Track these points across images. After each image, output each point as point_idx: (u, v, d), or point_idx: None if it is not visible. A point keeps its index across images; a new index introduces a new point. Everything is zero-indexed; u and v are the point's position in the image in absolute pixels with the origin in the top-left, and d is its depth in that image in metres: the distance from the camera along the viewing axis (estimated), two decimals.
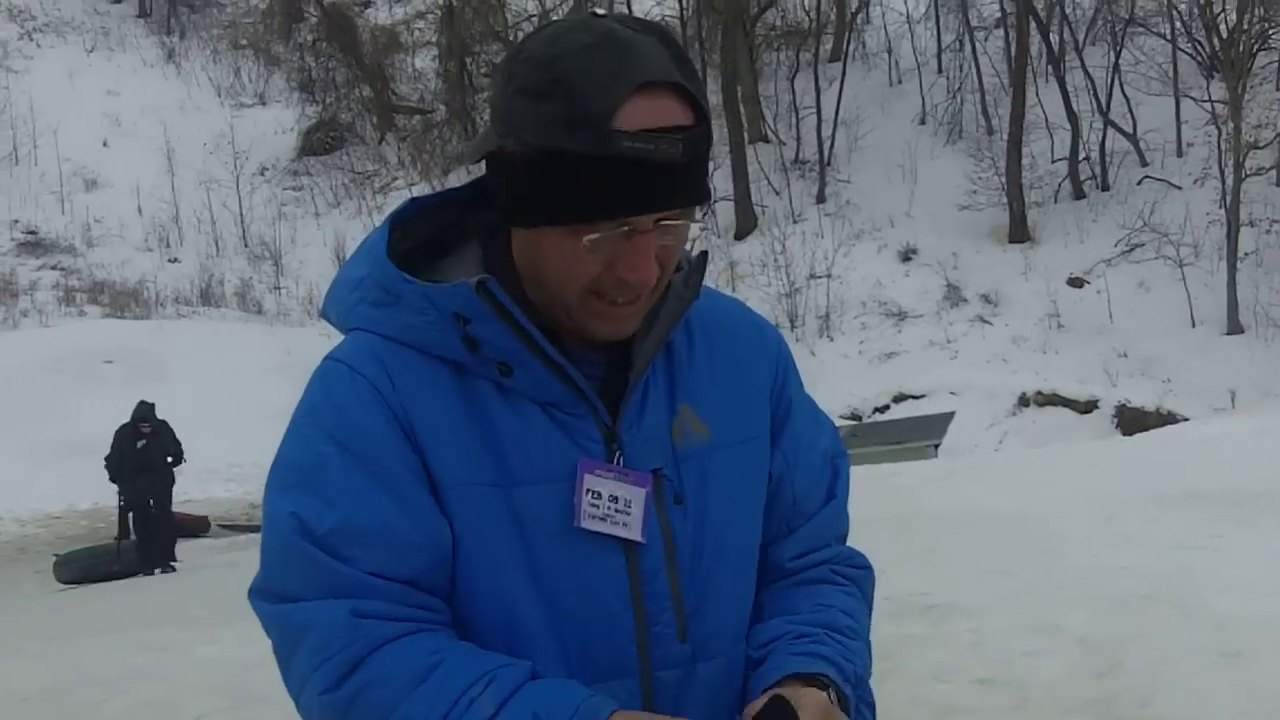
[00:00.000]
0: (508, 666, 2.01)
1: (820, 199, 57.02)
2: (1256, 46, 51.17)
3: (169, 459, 23.56)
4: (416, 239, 2.27)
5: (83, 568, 22.43)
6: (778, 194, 57.66)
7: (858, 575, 2.50)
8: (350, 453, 2.07)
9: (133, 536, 23.35)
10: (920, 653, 8.90)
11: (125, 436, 23.36)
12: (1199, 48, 55.40)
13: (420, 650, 2.00)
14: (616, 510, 2.12)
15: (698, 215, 2.13)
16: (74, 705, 10.48)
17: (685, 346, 2.32)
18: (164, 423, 23.78)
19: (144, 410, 23.59)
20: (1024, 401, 40.96)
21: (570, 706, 1.97)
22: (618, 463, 2.16)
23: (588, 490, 2.11)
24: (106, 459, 23.48)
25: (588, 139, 1.94)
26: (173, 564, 23.33)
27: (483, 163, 2.16)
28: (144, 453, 23.11)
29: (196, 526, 27.29)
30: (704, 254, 2.31)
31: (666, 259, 2.09)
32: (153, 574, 22.44)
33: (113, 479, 24.07)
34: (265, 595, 2.09)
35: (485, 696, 1.95)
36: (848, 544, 2.56)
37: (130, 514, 23.49)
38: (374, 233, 2.24)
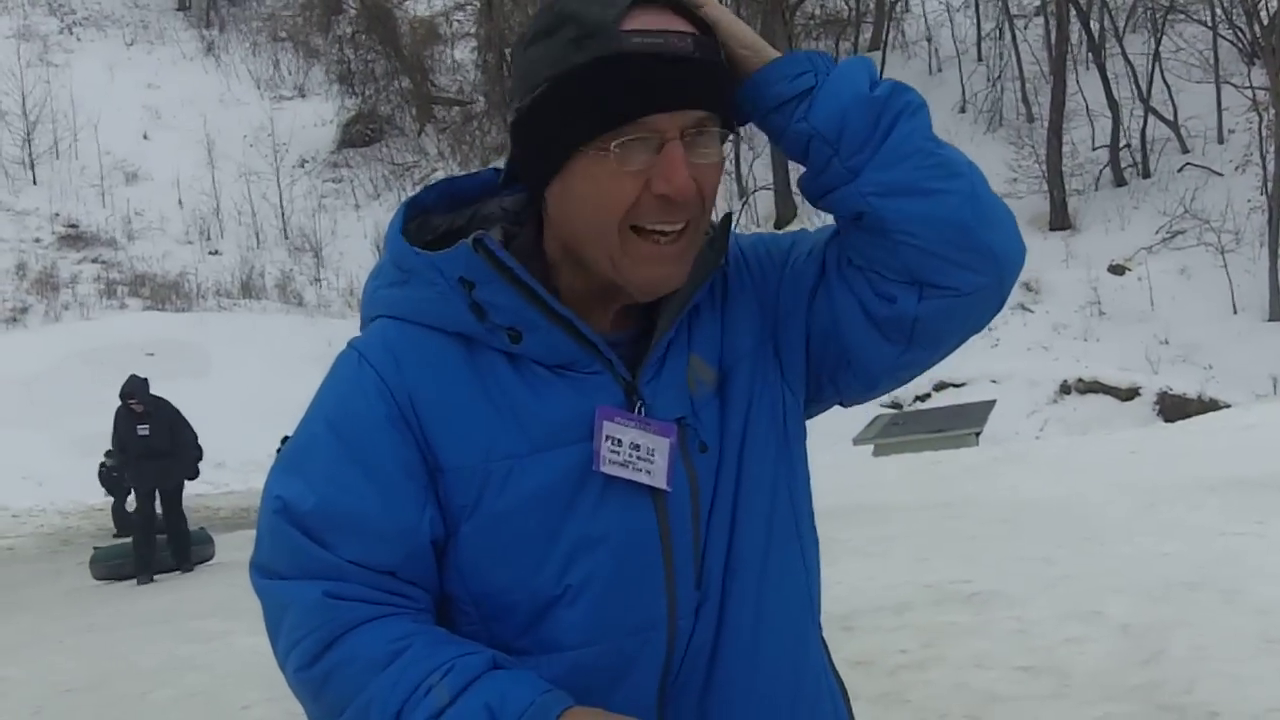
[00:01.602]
0: (469, 655, 2.01)
1: None
2: None
3: (189, 449, 21.05)
4: (435, 230, 2.29)
5: (115, 565, 21.15)
6: None
7: None
8: (340, 439, 2.10)
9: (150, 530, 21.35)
10: (963, 640, 8.89)
11: (123, 420, 20.66)
12: (1240, 34, 55.13)
13: (388, 635, 2.02)
14: (639, 457, 2.11)
15: (724, 152, 2.15)
16: (117, 696, 10.53)
17: (702, 304, 2.30)
18: (162, 401, 20.96)
19: (133, 385, 20.66)
20: (1065, 389, 40.82)
21: (524, 701, 1.95)
22: (639, 413, 2.15)
23: (607, 437, 2.11)
24: (108, 452, 22.39)
25: (598, 45, 1.99)
26: (191, 565, 21.05)
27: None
28: (146, 438, 20.32)
29: None
30: (728, 215, 2.31)
31: (703, 180, 2.08)
32: (151, 580, 20.26)
33: (116, 469, 23.57)
34: (258, 569, 2.14)
35: (443, 685, 1.96)
36: None
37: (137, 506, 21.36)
38: (391, 219, 2.25)
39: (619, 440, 2.11)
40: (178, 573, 20.72)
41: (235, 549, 20.94)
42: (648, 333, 2.21)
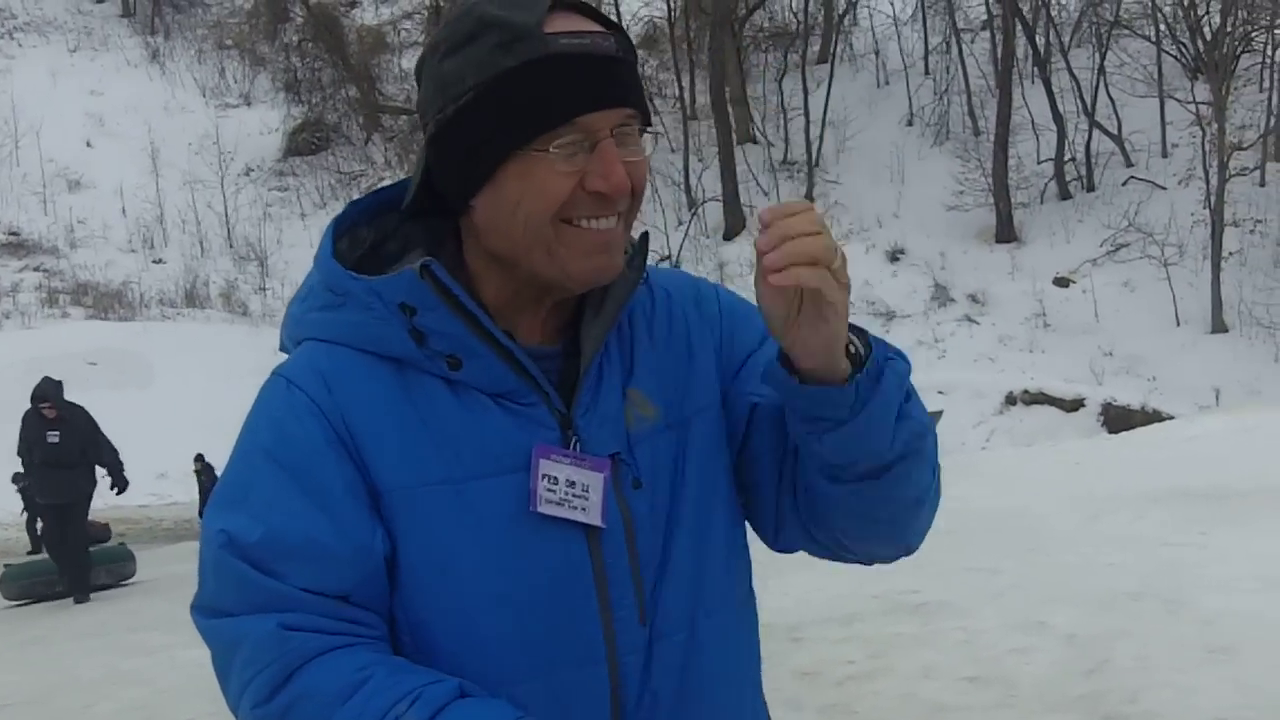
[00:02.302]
0: (435, 684, 1.98)
1: (809, 199, 57.02)
2: (1240, 48, 51.51)
3: (102, 462, 19.02)
4: (364, 244, 2.27)
5: (28, 585, 19.54)
6: (766, 195, 57.71)
7: None
8: (281, 466, 2.05)
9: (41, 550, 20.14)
10: (910, 651, 8.93)
11: (32, 424, 18.80)
12: (1183, 50, 55.65)
13: (348, 666, 1.98)
14: (574, 495, 2.10)
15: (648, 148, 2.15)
16: (58, 711, 10.46)
17: (628, 330, 2.30)
18: (77, 408, 18.96)
19: (46, 387, 18.75)
20: (1011, 400, 41.01)
21: None
22: (574, 449, 2.14)
23: (544, 475, 2.09)
24: (18, 453, 19.56)
25: (526, 49, 1.99)
26: (88, 594, 18.88)
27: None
28: (55, 446, 18.37)
29: (98, 535, 22.30)
30: (645, 235, 2.31)
31: (635, 175, 2.09)
32: (88, 599, 18.64)
33: (18, 478, 21.85)
34: (202, 610, 2.08)
35: (409, 715, 1.92)
36: None
37: (39, 521, 19.79)
38: (320, 242, 2.23)
39: (555, 478, 2.10)
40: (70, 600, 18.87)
41: (178, 561, 20.73)
42: (576, 350, 2.20)
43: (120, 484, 19.11)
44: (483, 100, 2.02)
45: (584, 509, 2.12)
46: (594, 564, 2.13)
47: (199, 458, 31.89)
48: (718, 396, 2.34)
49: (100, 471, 19.17)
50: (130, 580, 20.40)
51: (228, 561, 2.02)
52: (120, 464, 19.03)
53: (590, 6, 2.08)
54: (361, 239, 2.27)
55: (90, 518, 20.12)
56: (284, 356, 2.24)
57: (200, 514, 31.07)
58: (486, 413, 2.11)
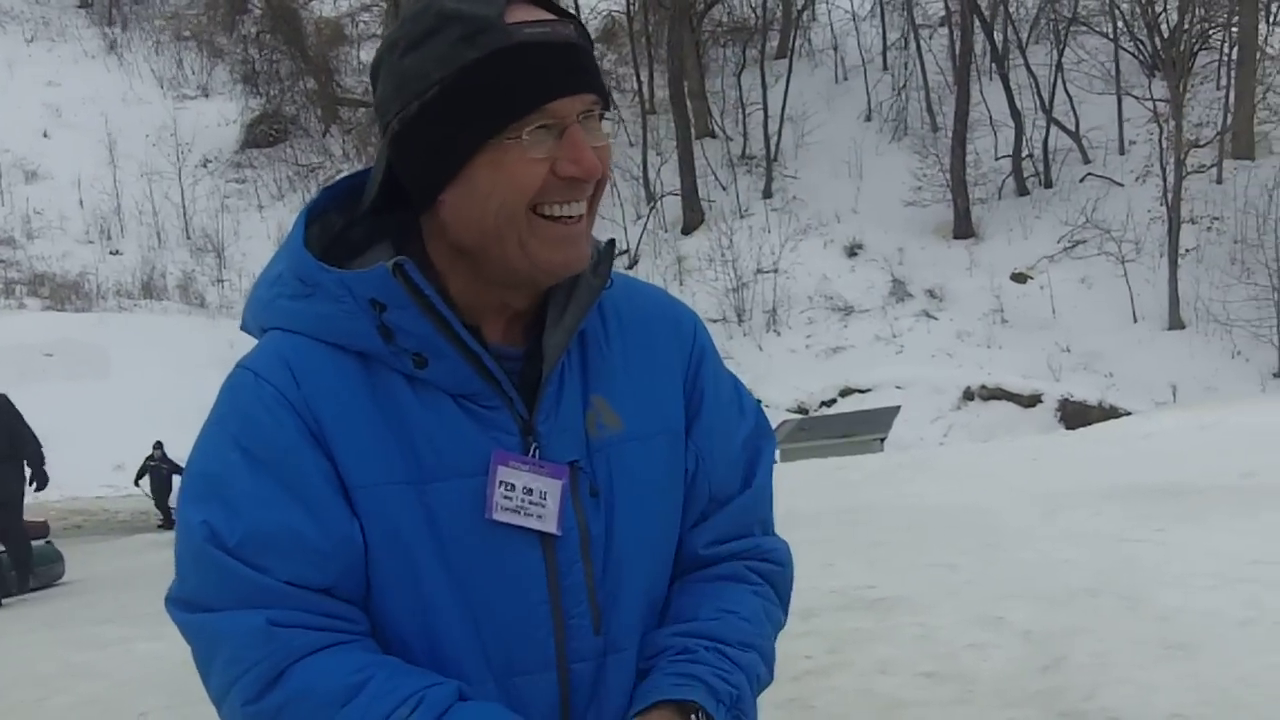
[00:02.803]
0: (436, 686, 2.01)
1: (767, 194, 57.30)
2: (1197, 46, 51.77)
3: (29, 455, 18.10)
4: (334, 229, 2.26)
5: None
6: (725, 189, 57.86)
7: (772, 573, 2.45)
8: (257, 460, 2.04)
9: None
10: (867, 646, 8.91)
11: None
12: (1141, 47, 55.92)
13: (346, 666, 1.99)
14: (530, 502, 2.11)
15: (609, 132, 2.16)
16: (12, 704, 10.38)
17: (599, 336, 2.30)
18: (2, 399, 17.93)
19: None
20: (969, 395, 41.16)
21: None
22: (534, 455, 2.14)
23: (500, 482, 2.10)
24: None
25: (490, 40, 1.99)
26: (30, 587, 18.47)
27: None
28: None
29: (36, 533, 20.99)
30: (612, 241, 2.30)
31: (602, 159, 2.10)
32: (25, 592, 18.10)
33: None
34: (181, 604, 2.08)
35: (413, 718, 1.94)
36: (774, 534, 2.53)
37: None
38: (291, 228, 2.21)
39: (512, 485, 2.10)
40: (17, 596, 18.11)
41: (134, 553, 20.70)
42: (540, 353, 2.18)
43: (40, 480, 18.25)
44: (449, 94, 2.01)
45: (540, 517, 2.12)
46: (549, 571, 2.14)
47: (158, 444, 31.72)
48: (683, 424, 2.34)
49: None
50: (61, 581, 19.65)
51: (210, 554, 2.01)
52: (42, 457, 18.21)
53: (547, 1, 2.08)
54: (332, 225, 2.26)
55: (31, 518, 19.61)
56: (242, 345, 2.21)
57: (156, 504, 30.85)
58: (448, 414, 2.11)
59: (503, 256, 2.08)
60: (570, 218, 2.08)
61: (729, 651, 2.23)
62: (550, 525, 2.13)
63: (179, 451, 33.68)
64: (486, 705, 2.04)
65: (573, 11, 2.43)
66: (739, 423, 2.44)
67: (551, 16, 2.05)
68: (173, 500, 26.13)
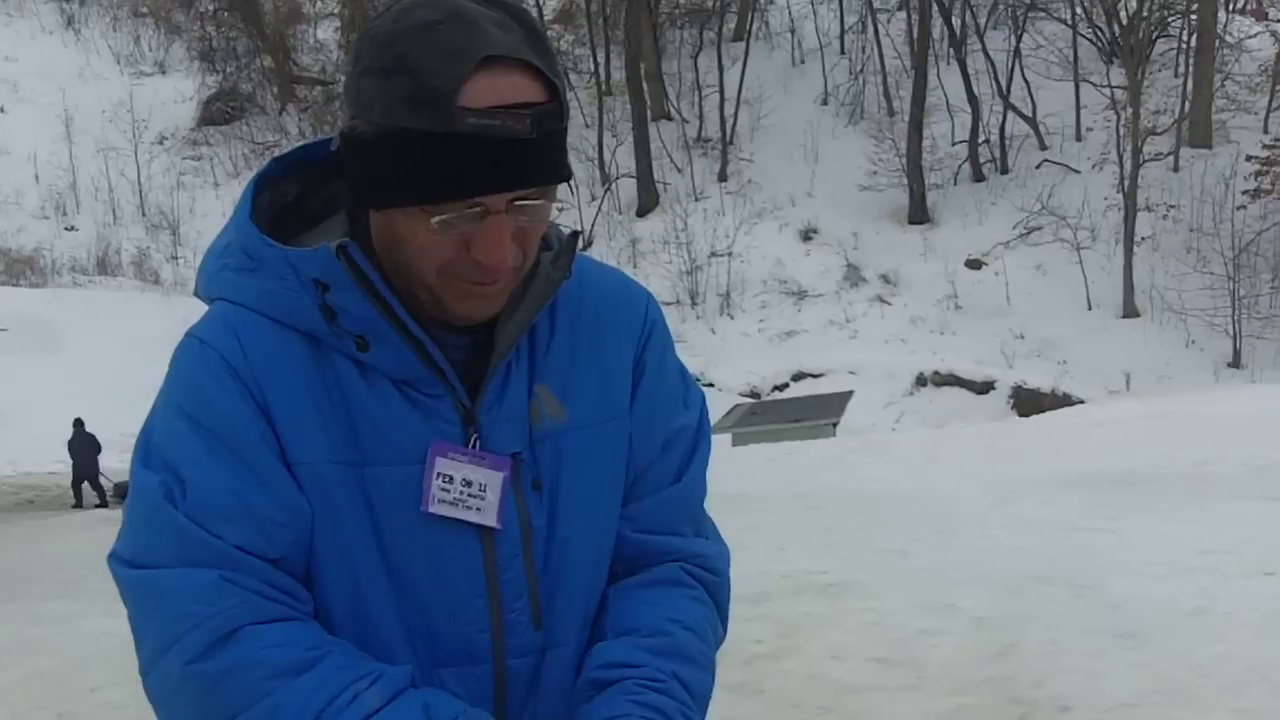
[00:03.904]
0: (393, 669, 1.99)
1: (722, 177, 57.36)
2: (1156, 33, 52.03)
3: None
4: (285, 198, 2.22)
5: None
6: (680, 171, 57.88)
7: (711, 582, 2.38)
8: (205, 429, 2.01)
9: None
10: (818, 631, 8.92)
11: None
12: (1099, 33, 56.18)
13: (300, 641, 1.96)
14: (470, 495, 2.08)
15: (558, 195, 2.07)
16: None
17: (547, 326, 2.24)
18: None
19: None
20: (921, 381, 41.38)
21: (456, 708, 1.96)
22: (474, 446, 2.10)
23: (438, 474, 2.06)
24: None
25: (431, 116, 1.88)
26: None
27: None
28: None
29: None
30: (575, 234, 2.22)
31: (525, 240, 2.02)
32: None
33: None
34: (126, 562, 2.03)
35: (372, 691, 1.92)
36: (711, 538, 2.44)
37: None
38: (240, 197, 2.17)
39: (450, 477, 2.06)
40: None
41: (86, 529, 20.58)
42: (488, 342, 2.13)
43: None
44: (382, 144, 1.93)
45: (479, 509, 2.08)
46: (486, 564, 2.11)
47: (78, 421, 31.65)
48: (628, 406, 2.29)
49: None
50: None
51: (168, 514, 1.96)
52: None
53: (528, 63, 1.94)
54: (284, 193, 2.22)
55: None
56: (184, 327, 2.18)
57: (74, 483, 30.80)
58: (390, 398, 2.07)
59: (417, 287, 2.04)
60: (482, 283, 2.01)
61: (690, 681, 2.20)
62: (490, 519, 2.09)
63: (132, 425, 33.60)
64: (441, 692, 2.02)
65: (553, 81, 2.17)
66: (679, 411, 2.38)
67: (518, 98, 1.91)
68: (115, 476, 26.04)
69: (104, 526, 23.68)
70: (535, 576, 2.14)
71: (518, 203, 1.95)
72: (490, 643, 2.11)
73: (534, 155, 1.93)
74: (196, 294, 2.22)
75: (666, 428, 2.34)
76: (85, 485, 31.94)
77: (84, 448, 31.76)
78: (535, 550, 2.14)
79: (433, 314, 2.06)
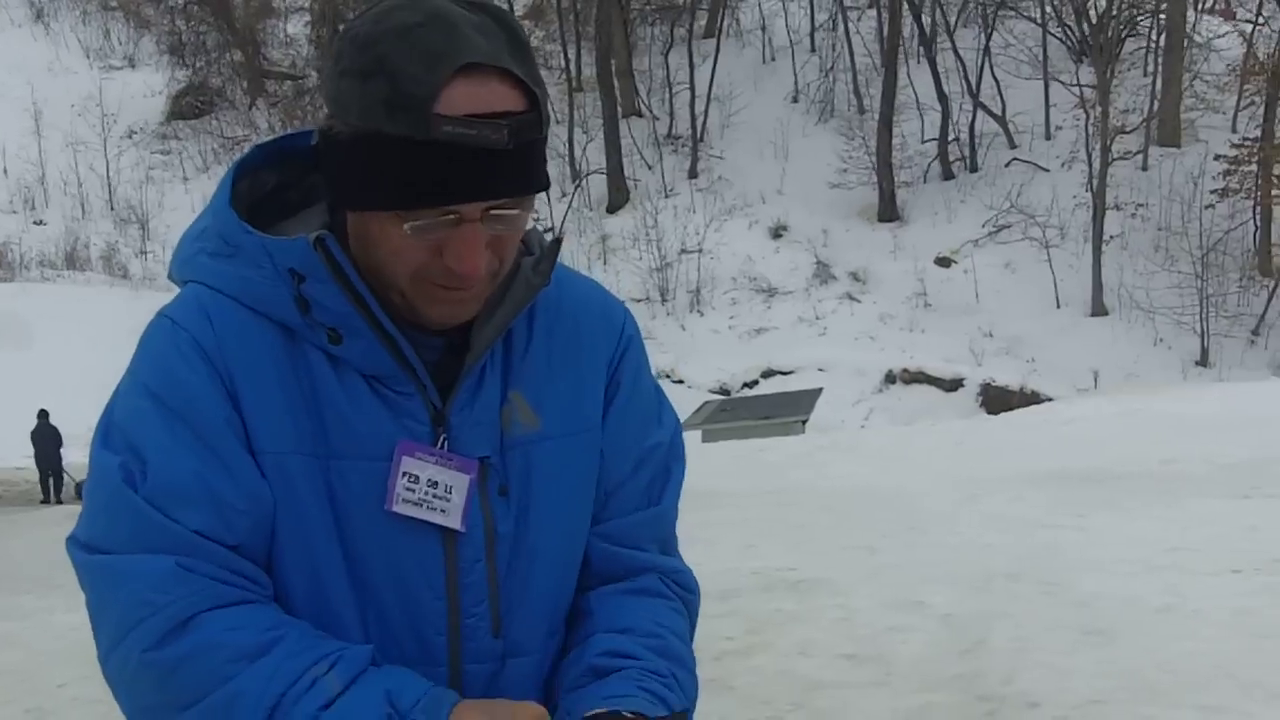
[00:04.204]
0: (352, 649, 1.96)
1: (692, 174, 57.41)
2: (1125, 32, 52.21)
3: None
4: (265, 187, 2.20)
5: None
6: (650, 168, 57.89)
7: (687, 598, 2.40)
8: (171, 410, 1.99)
9: None
10: (788, 628, 8.94)
11: None
12: (1069, 32, 56.34)
13: (258, 624, 1.94)
14: (435, 496, 2.06)
15: (534, 204, 2.04)
16: None
17: (524, 332, 2.22)
18: None
19: None
20: (890, 379, 41.44)
21: (420, 689, 1.94)
22: (442, 447, 2.08)
23: (404, 473, 2.04)
24: None
25: (407, 122, 1.86)
26: None
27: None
28: None
29: None
30: (558, 240, 2.20)
31: (501, 248, 2.01)
32: None
33: None
34: (84, 547, 2.01)
35: (331, 675, 1.90)
36: (677, 555, 2.45)
37: None
38: (220, 183, 2.15)
39: (416, 477, 2.05)
40: None
41: (54, 524, 20.48)
42: (464, 343, 2.11)
43: None
44: (359, 146, 1.92)
45: (444, 511, 2.07)
46: (448, 566, 2.09)
47: (42, 413, 31.55)
48: (599, 419, 2.28)
49: None
50: None
51: (127, 497, 1.94)
52: None
53: (508, 71, 1.91)
54: (263, 181, 2.20)
55: None
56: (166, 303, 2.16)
57: (41, 476, 30.68)
58: (360, 393, 2.05)
59: (390, 289, 2.02)
60: (455, 288, 2.00)
61: (686, 685, 2.22)
62: (454, 521, 2.07)
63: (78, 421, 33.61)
64: (401, 669, 2.00)
65: (533, 89, 2.14)
66: (653, 428, 2.37)
67: (495, 105, 1.89)
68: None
69: (71, 522, 23.46)
70: (498, 582, 2.13)
71: (493, 211, 1.93)
72: (447, 645, 2.10)
73: (510, 165, 1.91)
74: (170, 277, 2.19)
75: (639, 445, 2.33)
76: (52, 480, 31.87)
77: (46, 440, 31.68)
78: (500, 556, 2.13)
79: (406, 316, 2.04)
